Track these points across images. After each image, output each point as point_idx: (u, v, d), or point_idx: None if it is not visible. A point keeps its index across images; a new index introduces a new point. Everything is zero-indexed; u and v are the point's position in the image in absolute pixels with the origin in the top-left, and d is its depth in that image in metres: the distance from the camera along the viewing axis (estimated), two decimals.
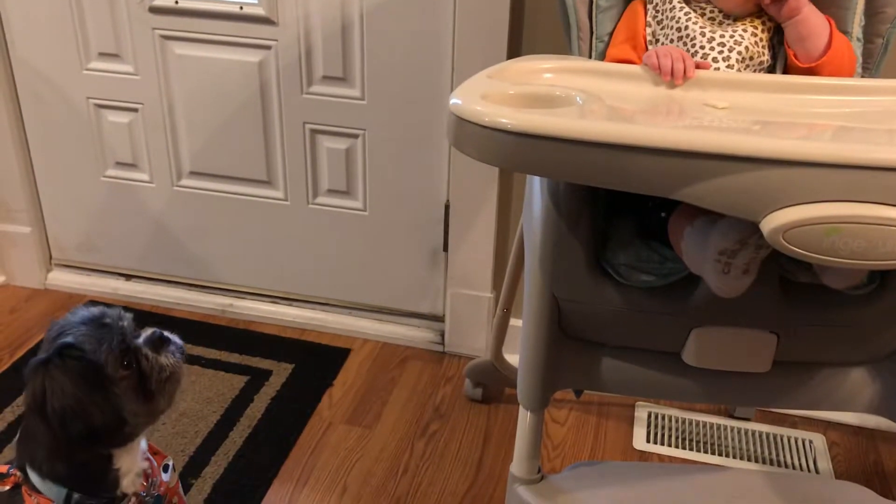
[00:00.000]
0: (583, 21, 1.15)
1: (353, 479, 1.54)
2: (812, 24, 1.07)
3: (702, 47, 1.09)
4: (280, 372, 1.81)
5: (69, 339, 0.94)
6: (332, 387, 1.78)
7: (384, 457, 1.59)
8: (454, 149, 1.30)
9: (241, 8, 1.73)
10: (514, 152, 0.83)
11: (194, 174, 1.93)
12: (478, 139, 0.84)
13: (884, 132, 0.94)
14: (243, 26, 1.74)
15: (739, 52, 1.09)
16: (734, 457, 1.61)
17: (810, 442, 1.65)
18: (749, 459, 1.60)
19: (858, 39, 1.13)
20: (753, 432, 1.67)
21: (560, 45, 1.21)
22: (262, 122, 1.82)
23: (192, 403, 1.69)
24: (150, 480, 1.05)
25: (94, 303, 1.03)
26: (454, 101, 0.86)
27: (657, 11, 1.14)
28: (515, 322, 1.39)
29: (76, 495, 0.97)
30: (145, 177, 1.97)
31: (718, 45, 1.09)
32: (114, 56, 1.85)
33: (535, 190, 1.09)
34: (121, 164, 1.97)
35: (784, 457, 1.61)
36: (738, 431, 1.67)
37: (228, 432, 1.62)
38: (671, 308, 1.01)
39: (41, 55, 1.88)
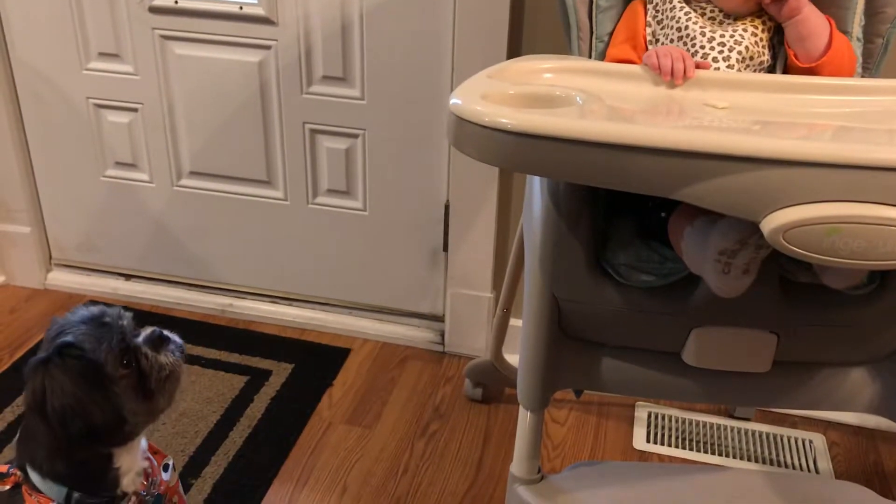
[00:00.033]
0: (583, 21, 1.15)
1: (353, 479, 1.54)
2: (812, 24, 1.07)
3: (702, 47, 1.09)
4: (280, 372, 1.81)
5: (69, 338, 0.94)
6: (332, 387, 1.78)
7: (384, 457, 1.59)
8: (454, 149, 1.30)
9: (241, 8, 1.73)
10: (514, 152, 0.83)
11: (194, 174, 1.93)
12: (478, 139, 0.84)
13: (884, 132, 0.94)
14: (243, 26, 1.74)
15: (739, 52, 1.09)
16: (734, 457, 1.61)
17: (810, 442, 1.65)
18: (749, 459, 1.60)
19: (858, 39, 1.13)
20: (753, 432, 1.67)
21: (560, 45, 1.21)
22: (262, 122, 1.82)
23: (192, 403, 1.69)
24: (150, 479, 1.05)
25: (94, 303, 1.03)
26: (454, 100, 0.86)
27: (657, 11, 1.14)
28: (515, 322, 1.39)
29: (76, 494, 0.97)
30: (145, 177, 1.97)
31: (718, 44, 1.09)
32: (114, 56, 1.85)
33: (535, 190, 1.09)
34: (121, 164, 1.97)
35: (784, 457, 1.61)
36: (738, 431, 1.67)
37: (228, 432, 1.62)
38: (671, 308, 1.01)
39: (41, 55, 1.88)
